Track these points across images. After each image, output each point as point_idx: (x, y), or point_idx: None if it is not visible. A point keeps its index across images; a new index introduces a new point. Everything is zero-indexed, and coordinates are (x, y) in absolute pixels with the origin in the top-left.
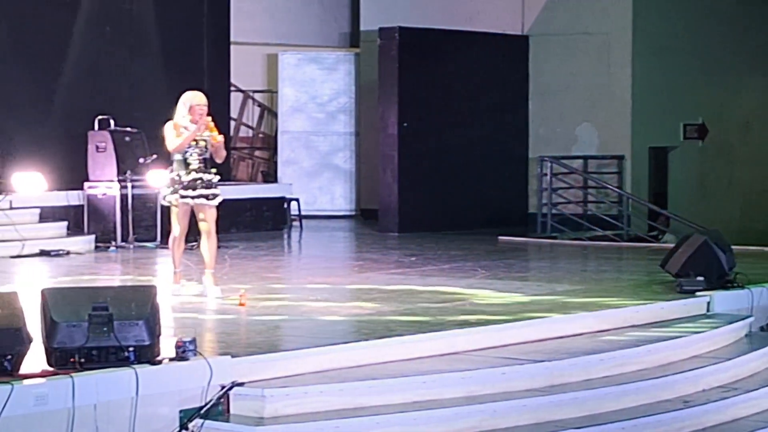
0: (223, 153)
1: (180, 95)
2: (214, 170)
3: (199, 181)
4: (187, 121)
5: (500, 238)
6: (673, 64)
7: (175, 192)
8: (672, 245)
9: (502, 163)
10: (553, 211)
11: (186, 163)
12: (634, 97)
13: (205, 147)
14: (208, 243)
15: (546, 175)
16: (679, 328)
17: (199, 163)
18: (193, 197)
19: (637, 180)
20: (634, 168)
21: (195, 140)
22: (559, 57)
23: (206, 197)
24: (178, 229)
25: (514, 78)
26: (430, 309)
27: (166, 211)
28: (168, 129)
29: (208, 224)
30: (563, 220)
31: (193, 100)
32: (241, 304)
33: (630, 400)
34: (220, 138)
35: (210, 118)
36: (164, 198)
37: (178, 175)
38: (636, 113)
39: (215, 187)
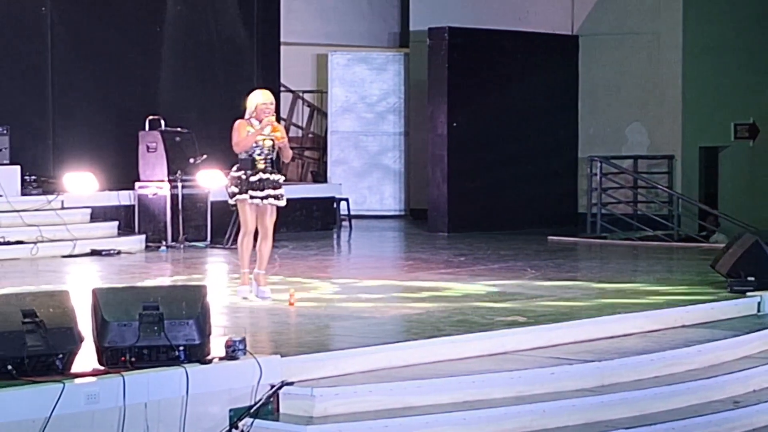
0: (290, 152)
1: (230, 96)
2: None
3: (266, 182)
4: (253, 119)
5: (550, 238)
6: (724, 63)
7: (242, 192)
8: (722, 245)
9: (552, 163)
10: (603, 211)
11: (253, 163)
12: (684, 96)
13: (272, 147)
14: (264, 243)
15: (596, 175)
16: (729, 328)
17: (266, 163)
18: (261, 198)
19: (687, 180)
20: (684, 168)
21: (262, 140)
22: (609, 56)
23: (275, 197)
24: (248, 227)
25: (563, 78)
26: (479, 309)
27: (216, 210)
28: (234, 128)
29: (268, 225)
30: (613, 220)
31: (259, 99)
32: (290, 304)
33: (680, 401)
34: (284, 136)
35: (274, 118)
36: (231, 197)
37: (244, 174)
38: (686, 113)
39: (281, 188)
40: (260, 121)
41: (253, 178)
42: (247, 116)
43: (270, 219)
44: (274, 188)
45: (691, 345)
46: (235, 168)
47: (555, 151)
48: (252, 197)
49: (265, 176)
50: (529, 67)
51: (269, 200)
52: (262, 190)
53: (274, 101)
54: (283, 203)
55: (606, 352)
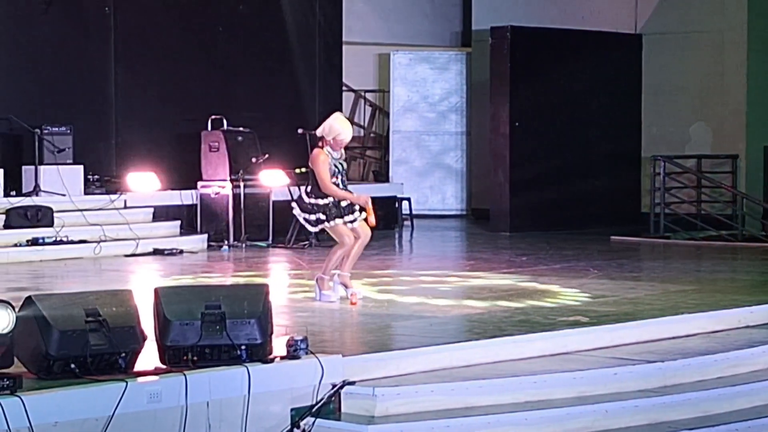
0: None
1: (292, 96)
2: None
3: (354, 204)
4: (328, 147)
5: (613, 237)
6: None
7: (336, 217)
8: None
9: (615, 162)
10: (666, 211)
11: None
12: (748, 95)
13: (344, 167)
14: (359, 247)
15: (659, 174)
16: None
17: (344, 185)
18: (353, 221)
19: (751, 179)
20: (748, 167)
21: (339, 164)
22: (673, 55)
23: (361, 210)
24: (348, 244)
25: (626, 77)
26: (541, 309)
27: (278, 210)
28: (319, 162)
29: (367, 230)
30: (676, 220)
31: (341, 134)
32: (352, 303)
33: (744, 402)
34: (373, 221)
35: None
36: (313, 225)
37: (332, 201)
38: (750, 112)
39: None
40: (335, 150)
41: (343, 203)
42: (319, 133)
43: (366, 226)
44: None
45: (755, 346)
46: (312, 192)
47: (618, 151)
48: (345, 222)
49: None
50: (592, 66)
51: (362, 216)
52: (353, 212)
53: (350, 139)
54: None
55: (669, 353)
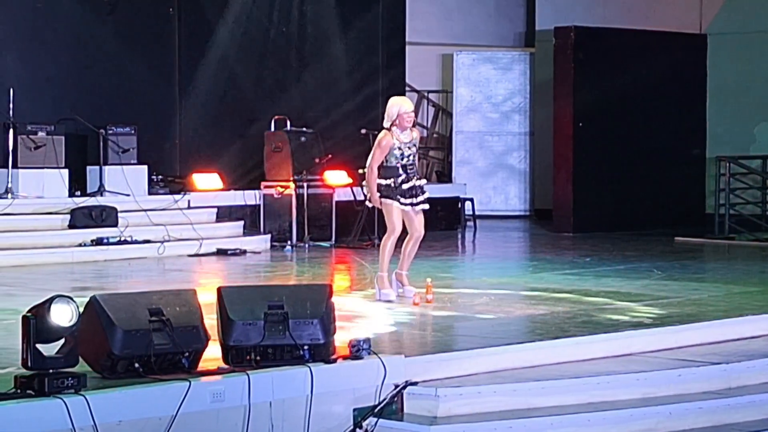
0: None
1: (355, 96)
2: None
3: (417, 189)
4: (395, 128)
5: (677, 238)
6: None
7: (392, 198)
8: None
9: (679, 163)
10: (731, 212)
11: (401, 170)
12: None
13: (416, 153)
14: (414, 244)
15: (724, 175)
16: None
17: (412, 169)
18: (414, 205)
19: None
20: None
21: (407, 148)
22: (738, 55)
23: (424, 201)
24: (396, 230)
25: (691, 77)
26: (604, 310)
27: (341, 210)
28: (381, 145)
29: (420, 228)
30: (741, 221)
31: (401, 107)
32: (414, 304)
33: None
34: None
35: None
36: (379, 199)
37: (393, 182)
38: None
39: (426, 192)
40: (402, 130)
41: (405, 186)
42: (387, 123)
43: (421, 222)
44: (422, 193)
45: None
46: (382, 176)
47: (682, 151)
48: (403, 204)
49: (417, 183)
50: (657, 67)
51: (421, 206)
52: (416, 197)
53: (413, 109)
54: (427, 207)
55: (733, 355)
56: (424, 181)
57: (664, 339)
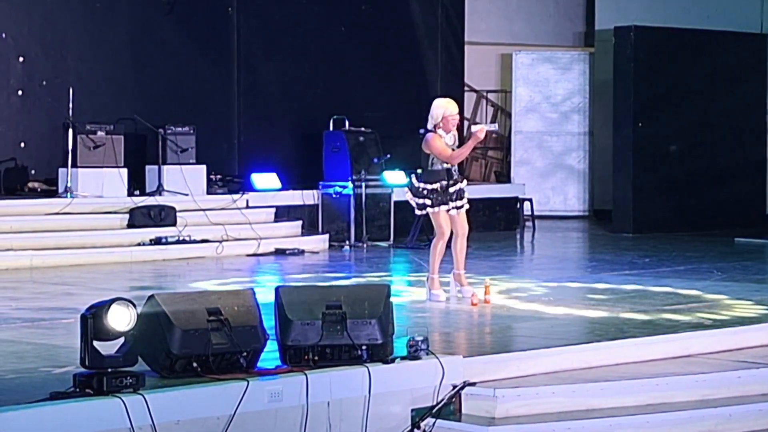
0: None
1: (414, 96)
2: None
3: (461, 192)
4: (440, 130)
5: (737, 239)
6: None
7: (438, 204)
8: None
9: (740, 163)
10: None
11: (448, 173)
12: None
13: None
14: (462, 243)
15: None
16: None
17: (457, 171)
18: (458, 207)
19: None
20: None
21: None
22: None
23: (467, 202)
24: (446, 234)
25: (752, 77)
26: (663, 310)
27: (399, 210)
28: (436, 146)
29: (466, 225)
30: None
31: (446, 109)
32: (473, 304)
33: None
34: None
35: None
36: (420, 209)
37: (440, 186)
38: None
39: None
40: (447, 132)
41: (451, 189)
42: (430, 125)
43: (464, 220)
44: (464, 196)
45: None
46: (422, 178)
47: (742, 151)
48: (448, 210)
49: (460, 186)
50: (717, 67)
51: (463, 208)
52: (461, 198)
53: (458, 111)
54: (468, 206)
55: None
56: (465, 183)
57: (723, 340)
